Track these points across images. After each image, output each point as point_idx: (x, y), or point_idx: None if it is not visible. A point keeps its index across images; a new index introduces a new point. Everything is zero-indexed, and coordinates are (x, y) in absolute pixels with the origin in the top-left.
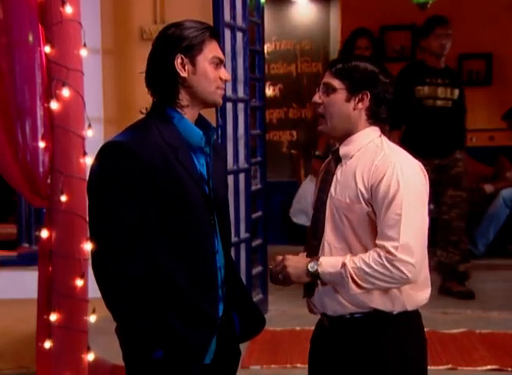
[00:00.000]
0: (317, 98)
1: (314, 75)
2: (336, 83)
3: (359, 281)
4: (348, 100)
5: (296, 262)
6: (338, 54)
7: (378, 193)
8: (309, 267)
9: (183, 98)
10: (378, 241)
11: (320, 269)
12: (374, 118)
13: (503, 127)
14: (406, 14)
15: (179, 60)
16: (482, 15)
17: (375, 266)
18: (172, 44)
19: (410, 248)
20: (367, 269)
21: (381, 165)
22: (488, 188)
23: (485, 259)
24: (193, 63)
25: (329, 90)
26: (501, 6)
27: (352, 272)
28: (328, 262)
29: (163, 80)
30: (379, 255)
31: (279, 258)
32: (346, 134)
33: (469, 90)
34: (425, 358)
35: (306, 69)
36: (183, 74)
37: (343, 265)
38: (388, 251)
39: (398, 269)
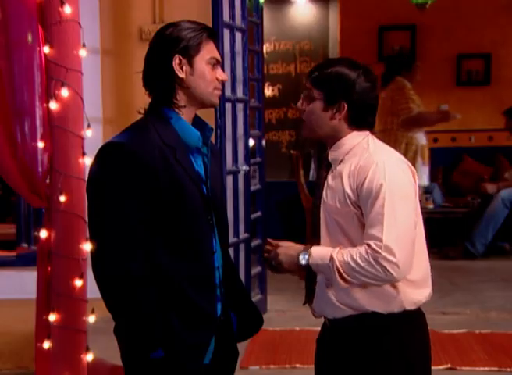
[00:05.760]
0: (299, 104)
1: None
2: (314, 92)
3: (345, 276)
4: (325, 110)
5: (288, 249)
6: None
7: (363, 192)
8: (300, 259)
9: (181, 98)
10: (364, 240)
11: (310, 261)
12: (356, 124)
13: (501, 128)
14: (405, 14)
15: (177, 61)
16: (481, 15)
17: (361, 263)
18: (169, 45)
19: (394, 247)
20: (353, 265)
21: (364, 165)
22: (491, 188)
23: (484, 259)
24: (191, 64)
25: (309, 98)
26: (500, 6)
27: (339, 266)
28: (318, 254)
29: (161, 81)
30: (366, 252)
31: (273, 243)
32: (332, 139)
33: (468, 90)
34: (429, 357)
35: (305, 69)
36: (181, 75)
37: (331, 258)
38: (373, 249)
39: (382, 266)
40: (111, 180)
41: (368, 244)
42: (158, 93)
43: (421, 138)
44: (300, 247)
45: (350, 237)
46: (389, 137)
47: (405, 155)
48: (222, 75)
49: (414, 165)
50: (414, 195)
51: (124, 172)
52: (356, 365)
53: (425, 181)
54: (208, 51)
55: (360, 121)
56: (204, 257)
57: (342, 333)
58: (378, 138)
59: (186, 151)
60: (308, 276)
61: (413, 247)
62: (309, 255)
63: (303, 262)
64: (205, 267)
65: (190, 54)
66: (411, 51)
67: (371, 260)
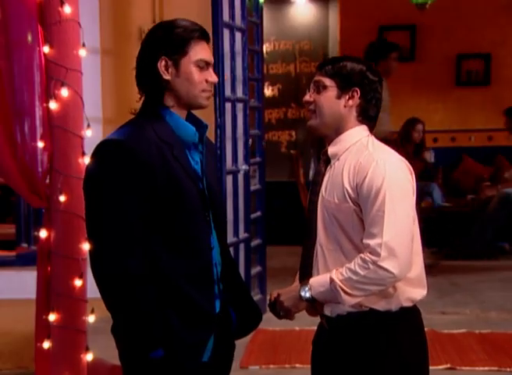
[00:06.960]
0: (308, 97)
1: (313, 75)
2: (327, 81)
3: (350, 291)
4: (339, 97)
5: (288, 293)
6: None
7: (363, 191)
8: (302, 295)
9: (168, 99)
10: (363, 240)
11: (312, 293)
12: (363, 115)
13: (501, 127)
14: (405, 14)
15: (163, 63)
16: (481, 15)
17: (361, 272)
18: (156, 46)
19: (394, 244)
20: (354, 277)
21: (364, 162)
22: (490, 192)
23: (484, 259)
24: (177, 66)
25: (320, 88)
26: (500, 6)
27: (340, 284)
28: (318, 283)
29: (148, 82)
30: (364, 261)
31: (273, 295)
32: (336, 132)
33: (467, 90)
34: (426, 354)
35: (305, 69)
36: (167, 77)
37: (331, 280)
38: (371, 252)
39: (383, 268)
40: (110, 176)
41: (367, 246)
42: (148, 93)
43: None
44: (297, 285)
45: (348, 233)
46: None
47: None
48: (213, 76)
49: None
50: (412, 193)
51: (123, 168)
52: (353, 364)
53: None
54: (197, 52)
55: (368, 112)
56: (201, 254)
57: (339, 333)
58: None
59: (182, 147)
60: (303, 261)
61: (412, 244)
62: (309, 288)
63: (306, 295)
64: (203, 264)
65: (176, 56)
66: (411, 51)
67: (371, 266)
